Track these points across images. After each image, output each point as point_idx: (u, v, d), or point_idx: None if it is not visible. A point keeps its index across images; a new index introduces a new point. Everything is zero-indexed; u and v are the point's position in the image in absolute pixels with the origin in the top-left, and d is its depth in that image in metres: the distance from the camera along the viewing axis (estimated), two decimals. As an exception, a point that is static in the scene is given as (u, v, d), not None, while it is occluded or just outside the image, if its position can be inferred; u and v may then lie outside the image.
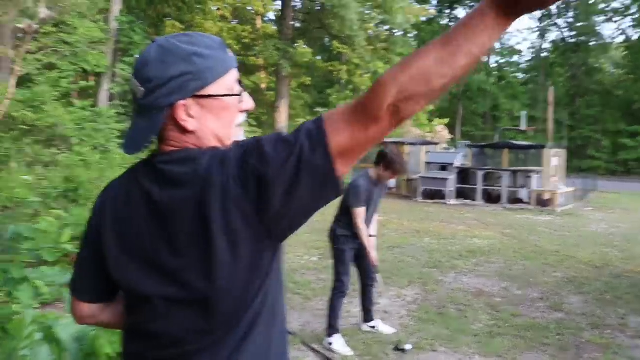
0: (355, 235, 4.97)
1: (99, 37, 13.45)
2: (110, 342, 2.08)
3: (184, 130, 1.18)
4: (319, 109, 25.26)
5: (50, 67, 11.38)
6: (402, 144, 20.21)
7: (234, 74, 1.23)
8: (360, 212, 4.88)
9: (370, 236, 5.09)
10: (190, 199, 1.12)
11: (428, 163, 18.82)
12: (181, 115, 1.17)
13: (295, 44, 28.20)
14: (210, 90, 1.18)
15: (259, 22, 32.63)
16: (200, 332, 1.16)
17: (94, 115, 7.98)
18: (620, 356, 4.91)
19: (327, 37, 30.93)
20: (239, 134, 1.27)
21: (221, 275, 1.11)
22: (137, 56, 1.20)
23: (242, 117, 1.28)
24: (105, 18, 19.84)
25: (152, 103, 1.16)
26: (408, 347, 4.81)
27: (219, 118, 1.21)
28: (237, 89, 1.23)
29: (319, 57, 33.51)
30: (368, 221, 5.05)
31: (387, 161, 4.86)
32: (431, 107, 31.45)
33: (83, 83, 8.67)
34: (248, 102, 1.27)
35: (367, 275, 5.27)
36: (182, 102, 1.16)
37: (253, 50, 30.57)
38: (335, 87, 29.09)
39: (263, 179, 1.07)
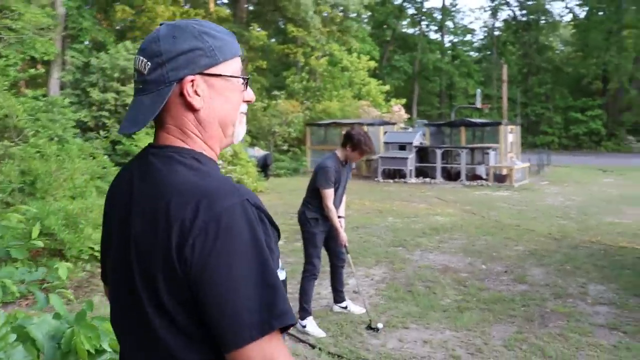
0: (325, 218, 4.97)
1: (47, 23, 12.97)
2: (87, 339, 2.02)
3: (190, 108, 1.17)
4: (275, 92, 24.99)
5: (-5, 55, 10.96)
6: (361, 124, 20.29)
7: (239, 62, 1.23)
8: (329, 194, 4.88)
9: (339, 217, 5.11)
10: (156, 209, 1.11)
11: (387, 143, 18.95)
12: (189, 90, 1.15)
13: (250, 27, 27.82)
14: (219, 69, 1.18)
15: (212, 6, 32.03)
16: None
17: (48, 105, 7.71)
18: (582, 323, 5.09)
19: (282, 20, 30.66)
20: (243, 121, 1.27)
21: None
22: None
23: (245, 108, 1.27)
24: (52, 3, 19.14)
25: (159, 77, 1.14)
26: (380, 325, 4.86)
27: (225, 100, 1.20)
28: (242, 73, 1.23)
29: (273, 40, 33.20)
30: (337, 202, 5.06)
31: (354, 142, 4.88)
32: (387, 88, 31.66)
33: (32, 71, 8.35)
34: (251, 94, 1.27)
35: (337, 256, 5.30)
36: (190, 77, 1.15)
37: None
38: (292, 69, 28.87)
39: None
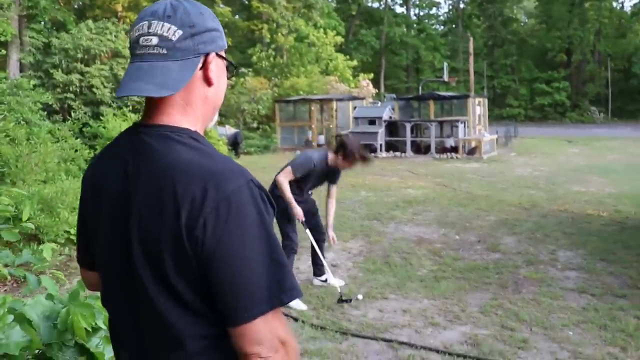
0: (296, 194, 5.02)
1: (2, 1, 12.56)
2: (83, 317, 2.04)
3: (207, 82, 1.22)
4: (242, 69, 24.76)
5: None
6: (330, 100, 20.30)
7: None
8: (289, 174, 4.95)
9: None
10: (159, 188, 1.12)
11: (356, 118, 19.04)
12: (211, 66, 1.21)
13: (214, 4, 27.37)
14: (223, 53, 1.25)
15: (174, -18, 31.36)
16: None
17: (13, 88, 7.52)
18: (554, 287, 5.29)
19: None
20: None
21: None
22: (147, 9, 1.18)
23: None
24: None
25: (189, 47, 1.17)
26: (360, 297, 4.96)
27: (223, 83, 1.27)
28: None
29: (238, 17, 32.75)
30: (305, 190, 5.14)
31: (345, 152, 4.92)
32: (355, 63, 31.63)
33: (-6, 53, 8.12)
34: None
35: (316, 230, 5.36)
36: (214, 54, 1.21)
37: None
38: (257, 46, 28.57)
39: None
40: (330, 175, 5.23)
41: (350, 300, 4.88)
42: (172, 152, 1.14)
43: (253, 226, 1.10)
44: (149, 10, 1.19)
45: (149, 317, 1.16)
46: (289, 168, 4.95)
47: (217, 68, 1.23)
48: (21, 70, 18.20)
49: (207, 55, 1.20)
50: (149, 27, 1.17)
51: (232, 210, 1.08)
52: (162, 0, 1.20)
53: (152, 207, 1.12)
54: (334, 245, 5.13)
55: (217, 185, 1.09)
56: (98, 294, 1.55)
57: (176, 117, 1.19)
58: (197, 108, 1.21)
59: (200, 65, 1.19)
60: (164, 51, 1.15)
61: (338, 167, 5.11)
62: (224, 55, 1.26)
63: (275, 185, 5.06)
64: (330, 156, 5.03)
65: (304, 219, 5.18)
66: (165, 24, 1.16)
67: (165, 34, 1.15)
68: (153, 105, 1.20)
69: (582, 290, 5.18)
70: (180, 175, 1.10)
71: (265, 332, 1.08)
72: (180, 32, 1.16)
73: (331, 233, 5.42)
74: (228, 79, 1.30)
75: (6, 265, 2.57)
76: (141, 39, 1.17)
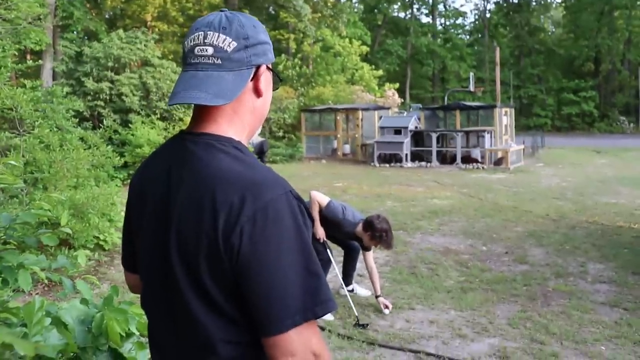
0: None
1: (41, 12, 12.88)
2: (117, 322, 2.07)
3: (257, 94, 1.25)
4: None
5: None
6: (356, 109, 20.32)
7: None
8: (323, 199, 5.08)
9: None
10: (199, 196, 1.14)
11: (382, 127, 19.00)
12: (262, 78, 1.25)
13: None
14: (271, 66, 1.29)
15: (203, -8, 31.81)
16: None
17: (47, 95, 7.71)
18: (584, 300, 5.20)
19: (273, 6, 30.51)
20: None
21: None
22: (202, 20, 1.23)
23: None
24: (42, -8, 18.93)
25: (243, 58, 1.21)
26: (387, 311, 4.92)
27: (270, 95, 1.30)
28: None
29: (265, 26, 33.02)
30: (331, 231, 5.18)
31: (374, 234, 4.89)
32: (380, 72, 31.63)
33: (30, 62, 8.32)
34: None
35: (353, 247, 5.41)
36: (265, 66, 1.26)
37: (199, 21, 29.80)
38: (283, 56, 28.75)
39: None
40: (353, 239, 5.22)
41: (367, 326, 4.68)
42: (214, 160, 1.16)
43: (289, 236, 1.10)
44: (205, 21, 1.22)
45: (184, 320, 1.17)
46: (327, 199, 5.05)
47: (266, 80, 1.27)
48: (54, 79, 18.62)
49: (258, 67, 1.24)
50: (204, 38, 1.20)
51: (269, 219, 1.08)
52: (217, 12, 1.24)
53: (192, 213, 1.13)
54: (388, 311, 5.05)
55: (256, 194, 1.10)
56: (132, 299, 1.58)
57: (223, 126, 1.22)
58: (244, 118, 1.25)
59: (251, 76, 1.22)
60: (219, 61, 1.19)
61: (361, 242, 5.09)
62: (271, 68, 1.29)
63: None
64: (358, 228, 5.01)
65: (325, 239, 5.19)
66: (221, 35, 1.19)
67: (220, 44, 1.19)
68: (202, 113, 1.23)
69: (614, 304, 5.08)
70: (221, 183, 1.12)
71: (298, 344, 1.08)
72: (235, 43, 1.19)
73: (382, 300, 5.06)
74: (273, 90, 1.33)
75: (43, 269, 2.63)
76: (197, 48, 1.20)
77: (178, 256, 1.15)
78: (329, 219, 5.05)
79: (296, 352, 1.08)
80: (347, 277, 5.47)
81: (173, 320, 1.21)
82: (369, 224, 4.91)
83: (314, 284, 1.10)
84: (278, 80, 1.32)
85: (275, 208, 1.10)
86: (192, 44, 1.21)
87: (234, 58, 1.19)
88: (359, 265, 5.65)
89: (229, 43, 1.19)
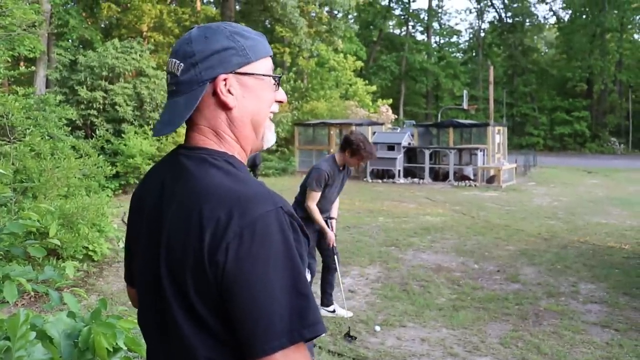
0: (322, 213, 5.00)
1: (36, 19, 12.87)
2: (104, 336, 2.02)
3: (223, 107, 1.17)
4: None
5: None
6: (349, 125, 20.36)
7: (270, 61, 1.23)
8: (313, 196, 4.89)
9: (331, 218, 5.12)
10: (188, 212, 1.11)
11: (375, 143, 18.96)
12: (222, 89, 1.15)
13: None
14: (251, 68, 1.18)
15: (198, 4, 31.93)
16: None
17: (39, 103, 7.66)
18: (575, 321, 5.18)
19: (269, 20, 30.62)
20: (272, 128, 1.27)
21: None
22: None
23: (276, 108, 1.27)
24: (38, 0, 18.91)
25: (193, 77, 1.15)
26: (377, 328, 4.87)
27: (258, 99, 1.20)
28: (273, 73, 1.24)
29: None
30: (328, 204, 5.08)
31: (352, 147, 4.85)
32: (374, 88, 31.76)
33: (23, 69, 8.27)
34: (282, 93, 1.26)
35: (329, 255, 5.28)
36: (223, 76, 1.15)
37: (194, 33, 29.87)
38: (278, 69, 28.82)
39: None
40: (344, 176, 5.15)
41: (355, 338, 4.65)
42: (206, 176, 1.12)
43: (277, 254, 1.04)
44: (173, 49, 1.22)
45: (173, 336, 1.13)
46: (310, 193, 4.91)
47: (240, 86, 1.18)
48: (47, 86, 18.53)
49: (214, 79, 1.16)
50: (167, 66, 1.21)
51: (257, 237, 1.03)
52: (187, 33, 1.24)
53: (180, 228, 1.10)
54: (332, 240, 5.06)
55: (244, 209, 1.05)
56: (120, 313, 1.53)
57: (211, 143, 1.19)
58: (227, 133, 1.19)
59: (210, 91, 1.16)
60: (174, 87, 1.18)
61: (347, 165, 5.05)
62: (251, 70, 1.19)
63: (298, 204, 5.03)
64: (337, 156, 4.99)
65: (335, 244, 5.15)
66: (174, 60, 1.18)
67: (173, 70, 1.18)
68: (189, 133, 1.21)
69: (606, 325, 5.07)
70: (209, 198, 1.08)
71: None
72: (182, 65, 1.16)
73: (330, 234, 5.12)
74: (276, 80, 1.24)
75: (29, 280, 2.58)
76: (167, 76, 1.22)
77: (167, 271, 1.12)
78: (324, 187, 4.97)
79: None
80: (326, 296, 5.31)
81: (162, 334, 1.18)
82: (345, 141, 4.91)
83: (302, 305, 1.04)
84: (270, 76, 1.22)
85: (264, 224, 1.05)
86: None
87: (183, 80, 1.16)
88: (350, 281, 5.61)
89: (177, 66, 1.17)
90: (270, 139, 1.27)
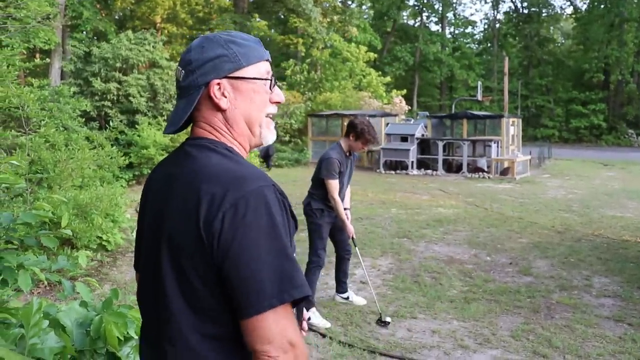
0: (330, 209, 5.01)
1: (51, 11, 12.95)
2: (115, 325, 2.05)
3: (217, 108, 1.31)
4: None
5: (-1, 45, 10.87)
6: (363, 115, 20.26)
7: (266, 66, 1.35)
8: (334, 185, 4.91)
9: (345, 209, 5.13)
10: (189, 191, 1.22)
11: (388, 134, 18.96)
12: (215, 92, 1.29)
13: (251, 17, 27.73)
14: (243, 73, 1.31)
15: (213, -5, 31.90)
16: None
17: (54, 95, 7.72)
18: (588, 314, 5.14)
19: (283, 10, 30.54)
20: (271, 126, 1.38)
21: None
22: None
23: (274, 109, 1.38)
24: (53, -8, 19.01)
25: (190, 83, 1.30)
26: (388, 319, 4.88)
27: (250, 101, 1.32)
28: (267, 76, 1.35)
29: (274, 31, 33.09)
30: (342, 193, 5.08)
31: (357, 131, 4.90)
32: (388, 79, 31.60)
33: (38, 61, 8.33)
34: (279, 94, 1.38)
35: (342, 247, 5.32)
36: (216, 80, 1.29)
37: (208, 24, 29.96)
38: (291, 60, 28.73)
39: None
40: (351, 162, 5.18)
41: (387, 324, 4.79)
42: (205, 157, 1.26)
43: (269, 223, 1.15)
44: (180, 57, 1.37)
45: (164, 310, 1.23)
46: (329, 183, 4.91)
47: (232, 89, 1.30)
48: (62, 78, 18.69)
49: (207, 84, 1.29)
50: (175, 72, 1.38)
51: (250, 207, 1.15)
52: None
53: (180, 206, 1.22)
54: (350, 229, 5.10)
55: (239, 184, 1.17)
56: (132, 302, 1.57)
57: (212, 135, 1.33)
58: (224, 130, 1.32)
59: (205, 94, 1.30)
60: (178, 92, 1.34)
61: (352, 151, 5.08)
62: (244, 74, 1.31)
63: (312, 198, 5.05)
64: (343, 143, 5.02)
65: (354, 235, 5.18)
66: (179, 67, 1.34)
67: (178, 76, 1.34)
68: (193, 128, 1.36)
69: (619, 319, 5.03)
70: (207, 175, 1.20)
71: (275, 331, 1.12)
72: (183, 72, 1.32)
73: (349, 226, 5.14)
74: (272, 83, 1.35)
75: (42, 270, 2.61)
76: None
77: (167, 248, 1.22)
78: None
79: (273, 339, 1.12)
80: (340, 284, 5.40)
81: (157, 312, 1.27)
82: (350, 125, 4.96)
83: (290, 268, 1.15)
84: (261, 79, 1.33)
85: (257, 196, 1.16)
86: None
87: (184, 85, 1.31)
88: (361, 272, 5.62)
89: (180, 73, 1.32)
90: (267, 137, 1.38)
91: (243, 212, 1.13)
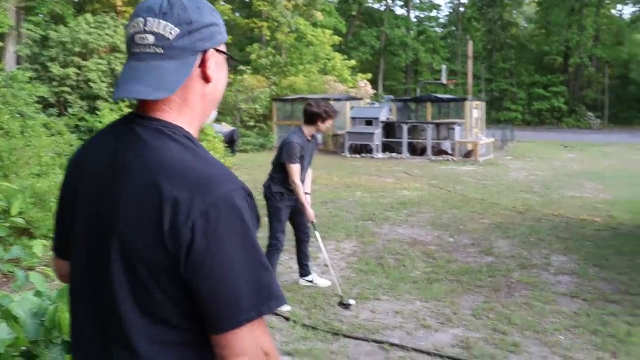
0: (290, 192, 5.02)
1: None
2: (71, 314, 2.01)
3: (205, 80, 1.18)
4: (241, 67, 24.65)
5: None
6: (327, 99, 20.27)
7: None
8: (295, 168, 4.93)
9: (305, 193, 5.15)
10: (147, 184, 1.08)
11: (353, 118, 19.01)
12: (211, 63, 1.18)
13: (214, 1, 27.30)
14: (223, 47, 1.22)
15: (174, -22, 31.26)
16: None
17: (8, 80, 7.48)
18: (546, 292, 5.30)
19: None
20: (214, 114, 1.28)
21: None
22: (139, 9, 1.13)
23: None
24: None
25: (187, 45, 1.13)
26: (352, 302, 4.93)
27: (223, 78, 1.25)
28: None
29: (238, 14, 32.68)
30: (302, 176, 5.10)
31: (322, 116, 4.98)
32: (353, 62, 31.59)
33: (-9, 45, 8.05)
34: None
35: (301, 230, 5.35)
36: (211, 50, 1.18)
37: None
38: (255, 45, 28.45)
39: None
40: (313, 146, 5.22)
41: (349, 306, 4.84)
42: (164, 148, 1.10)
43: (243, 232, 1.07)
44: (145, 6, 1.14)
45: (111, 311, 1.10)
46: (291, 167, 4.92)
47: (216, 64, 1.20)
48: (18, 63, 18.11)
49: (205, 52, 1.16)
50: (144, 25, 1.12)
51: (222, 216, 1.05)
52: None
53: (138, 203, 1.08)
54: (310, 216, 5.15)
55: (208, 188, 1.06)
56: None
57: (173, 114, 1.16)
58: (194, 106, 1.18)
59: (198, 62, 1.16)
60: (161, 50, 1.12)
61: (322, 132, 5.14)
62: (223, 49, 1.22)
63: (272, 181, 5.07)
64: (306, 129, 5.06)
65: (314, 220, 5.20)
66: (161, 21, 1.12)
67: (161, 32, 1.12)
68: (147, 100, 1.15)
69: (574, 295, 5.19)
70: (169, 173, 1.07)
71: (250, 342, 1.06)
72: (177, 30, 1.12)
73: (309, 210, 5.16)
74: (230, 71, 1.29)
75: (-5, 260, 2.55)
76: (137, 36, 1.13)
77: (118, 246, 1.09)
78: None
79: (247, 352, 1.05)
80: (303, 267, 5.44)
81: (99, 312, 1.14)
82: (310, 114, 5.03)
83: (266, 278, 1.08)
84: (233, 61, 1.29)
85: (228, 204, 1.06)
86: (132, 31, 1.14)
87: (176, 46, 1.12)
88: (325, 255, 5.64)
89: (170, 30, 1.12)
90: (213, 115, 1.30)
91: (215, 221, 1.04)
